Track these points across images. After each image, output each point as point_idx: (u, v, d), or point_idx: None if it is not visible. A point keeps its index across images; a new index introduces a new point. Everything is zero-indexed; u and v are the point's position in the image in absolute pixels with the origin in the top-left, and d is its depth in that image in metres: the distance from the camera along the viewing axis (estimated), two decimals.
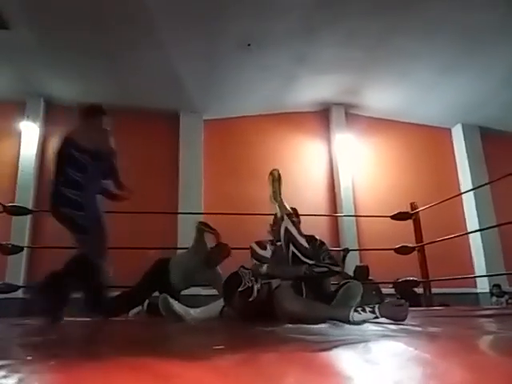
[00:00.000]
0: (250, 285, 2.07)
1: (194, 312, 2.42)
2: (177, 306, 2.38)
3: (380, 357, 0.88)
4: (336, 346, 0.95)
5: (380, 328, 1.61)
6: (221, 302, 2.42)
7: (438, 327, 1.70)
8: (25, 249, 4.98)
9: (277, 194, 2.59)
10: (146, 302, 3.23)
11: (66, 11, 4.98)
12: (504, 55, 5.99)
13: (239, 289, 2.05)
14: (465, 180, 7.81)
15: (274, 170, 2.69)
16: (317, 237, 2.52)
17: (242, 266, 2.27)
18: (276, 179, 2.65)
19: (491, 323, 1.91)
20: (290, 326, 1.74)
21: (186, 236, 4.82)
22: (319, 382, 0.69)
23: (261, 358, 0.84)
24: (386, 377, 0.71)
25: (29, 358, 0.96)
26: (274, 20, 5.25)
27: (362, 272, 5.07)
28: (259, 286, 2.11)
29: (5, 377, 0.70)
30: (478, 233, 7.06)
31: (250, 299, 2.05)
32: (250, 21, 5.26)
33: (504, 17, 5.20)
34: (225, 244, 3.38)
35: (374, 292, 4.94)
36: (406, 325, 1.70)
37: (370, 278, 5.11)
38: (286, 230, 2.37)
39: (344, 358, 0.84)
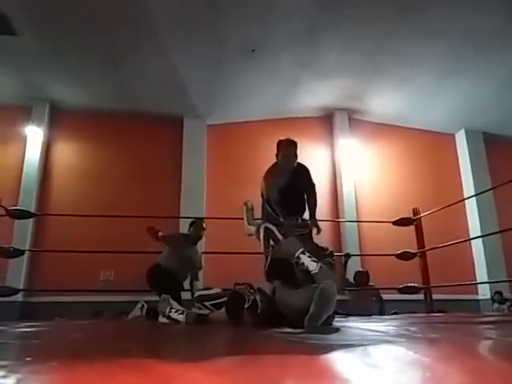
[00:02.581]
0: (253, 298, 2.12)
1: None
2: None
3: (379, 360, 0.88)
4: (335, 350, 0.95)
5: (379, 333, 1.61)
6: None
7: (439, 333, 1.69)
8: (26, 252, 4.99)
9: (250, 221, 2.90)
10: (145, 307, 3.23)
11: (70, 17, 5.03)
12: (506, 60, 5.99)
13: (245, 306, 2.09)
14: (468, 186, 7.78)
15: (248, 201, 3.03)
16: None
17: (236, 284, 2.32)
18: (250, 209, 2.98)
19: (492, 330, 1.90)
20: (289, 329, 1.74)
21: None
22: None
23: (260, 361, 0.84)
24: (386, 380, 0.71)
25: (28, 358, 0.96)
26: (277, 24, 5.28)
27: (362, 277, 5.06)
28: (259, 296, 2.16)
29: (4, 377, 0.70)
30: (480, 239, 7.03)
31: (259, 311, 2.09)
32: (252, 25, 5.29)
33: (505, 21, 5.22)
34: (199, 219, 3.96)
35: (374, 298, 4.92)
36: (406, 330, 1.69)
37: (370, 283, 5.10)
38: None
39: (343, 362, 0.84)
